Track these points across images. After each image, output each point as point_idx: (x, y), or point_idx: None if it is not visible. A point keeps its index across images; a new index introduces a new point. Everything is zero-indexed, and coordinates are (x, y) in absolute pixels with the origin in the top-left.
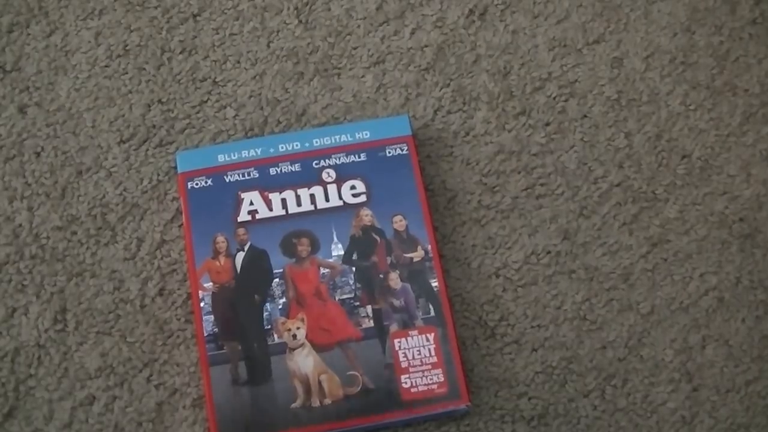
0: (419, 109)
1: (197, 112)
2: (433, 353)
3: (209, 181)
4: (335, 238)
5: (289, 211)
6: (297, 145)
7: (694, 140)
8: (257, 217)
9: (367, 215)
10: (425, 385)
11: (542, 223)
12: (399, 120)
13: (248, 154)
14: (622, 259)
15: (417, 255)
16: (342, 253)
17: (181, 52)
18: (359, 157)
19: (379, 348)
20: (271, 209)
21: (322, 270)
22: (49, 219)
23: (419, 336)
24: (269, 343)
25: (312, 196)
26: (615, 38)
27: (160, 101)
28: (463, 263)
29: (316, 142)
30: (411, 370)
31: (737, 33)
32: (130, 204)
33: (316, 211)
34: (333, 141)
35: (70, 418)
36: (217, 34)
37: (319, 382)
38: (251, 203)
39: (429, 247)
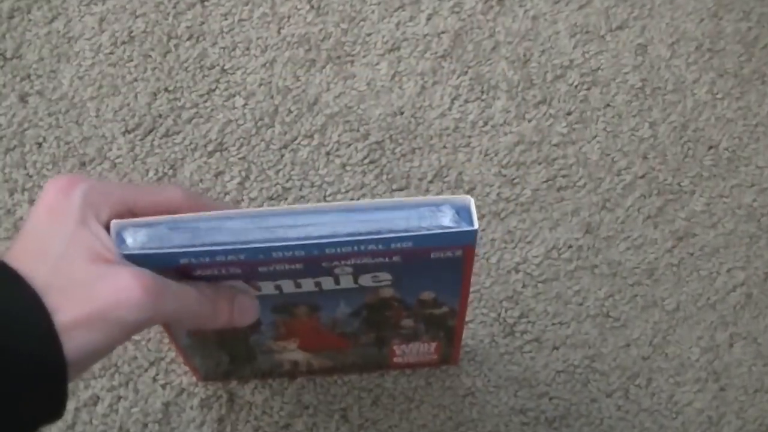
0: (436, 98)
1: (205, 101)
2: (432, 350)
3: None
4: (342, 305)
5: (284, 292)
6: (299, 253)
7: (722, 130)
8: None
9: (387, 292)
10: (416, 360)
11: (564, 216)
12: (459, 235)
13: (225, 258)
14: (647, 254)
15: (440, 311)
16: (349, 312)
17: (188, 39)
18: (391, 259)
19: (376, 350)
20: (259, 291)
21: (323, 321)
22: None
23: (422, 344)
24: (257, 351)
25: (317, 283)
26: (639, 24)
27: (166, 90)
28: (482, 258)
29: (330, 251)
30: (406, 354)
31: (766, 19)
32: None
33: (321, 292)
34: (355, 249)
35: (74, 419)
36: (226, 19)
37: (308, 363)
38: (233, 286)
39: (457, 308)
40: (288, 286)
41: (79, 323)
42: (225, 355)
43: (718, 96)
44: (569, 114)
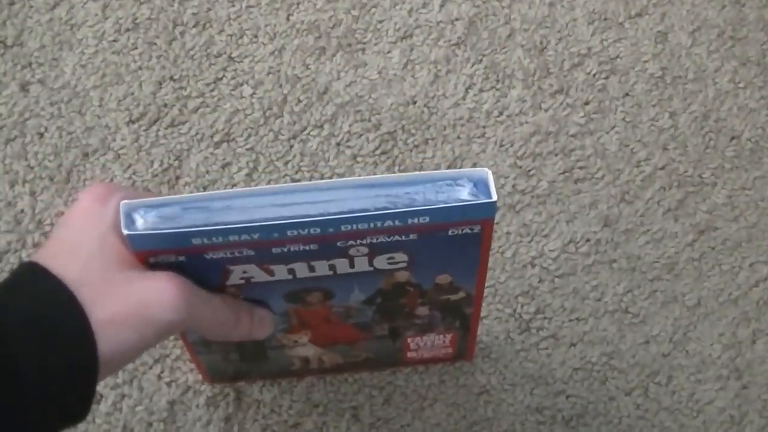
0: (449, 87)
1: (212, 90)
2: (447, 343)
3: (182, 258)
4: (357, 291)
5: (298, 277)
6: (314, 230)
7: (744, 120)
8: (253, 281)
9: (403, 275)
10: (431, 355)
11: (581, 209)
12: (477, 208)
13: (238, 237)
14: (667, 248)
15: (456, 297)
16: (364, 299)
17: (194, 26)
18: (408, 237)
19: (390, 342)
20: (272, 276)
21: (335, 309)
22: (53, 204)
23: (437, 335)
24: (266, 346)
25: (332, 266)
26: (659, 11)
27: (171, 78)
28: (497, 252)
29: (346, 227)
30: (420, 350)
31: None
32: (140, 188)
33: (335, 276)
34: (371, 225)
35: None
36: (233, 6)
37: (320, 359)
38: (245, 272)
39: (473, 293)
40: (302, 269)
41: (113, 320)
42: (234, 353)
43: (741, 85)
44: (587, 104)
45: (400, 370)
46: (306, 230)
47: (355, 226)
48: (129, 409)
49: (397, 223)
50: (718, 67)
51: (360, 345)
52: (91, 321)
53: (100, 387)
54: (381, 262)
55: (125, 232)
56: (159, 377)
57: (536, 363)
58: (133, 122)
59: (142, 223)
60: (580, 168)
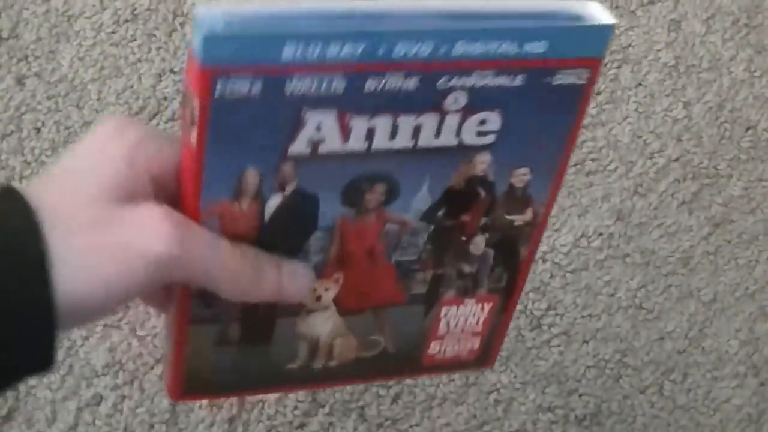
0: None
1: None
2: (480, 323)
3: (257, 86)
4: (424, 189)
5: (373, 147)
6: (426, 48)
7: (760, 110)
8: (320, 150)
9: (482, 163)
10: (454, 351)
11: (593, 202)
12: (596, 32)
13: (339, 51)
14: (682, 242)
15: (522, 218)
16: (426, 207)
17: None
18: (513, 80)
19: (421, 315)
20: (346, 140)
21: (388, 226)
22: None
23: (475, 305)
24: (278, 314)
25: (417, 128)
26: None
27: (172, 71)
28: None
29: (461, 47)
30: (447, 337)
31: None
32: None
33: (413, 151)
34: (486, 50)
35: (75, 419)
36: None
37: (331, 345)
38: (318, 128)
39: (542, 210)
40: (382, 132)
41: (94, 248)
42: (236, 324)
43: (756, 74)
44: (598, 94)
45: (415, 376)
46: (418, 46)
47: (469, 48)
48: (130, 410)
49: (513, 49)
50: (733, 55)
51: (387, 315)
52: (61, 250)
53: (100, 388)
54: (470, 129)
55: (201, 35)
56: (160, 378)
57: (548, 361)
58: (133, 116)
59: (224, 28)
60: (592, 160)
